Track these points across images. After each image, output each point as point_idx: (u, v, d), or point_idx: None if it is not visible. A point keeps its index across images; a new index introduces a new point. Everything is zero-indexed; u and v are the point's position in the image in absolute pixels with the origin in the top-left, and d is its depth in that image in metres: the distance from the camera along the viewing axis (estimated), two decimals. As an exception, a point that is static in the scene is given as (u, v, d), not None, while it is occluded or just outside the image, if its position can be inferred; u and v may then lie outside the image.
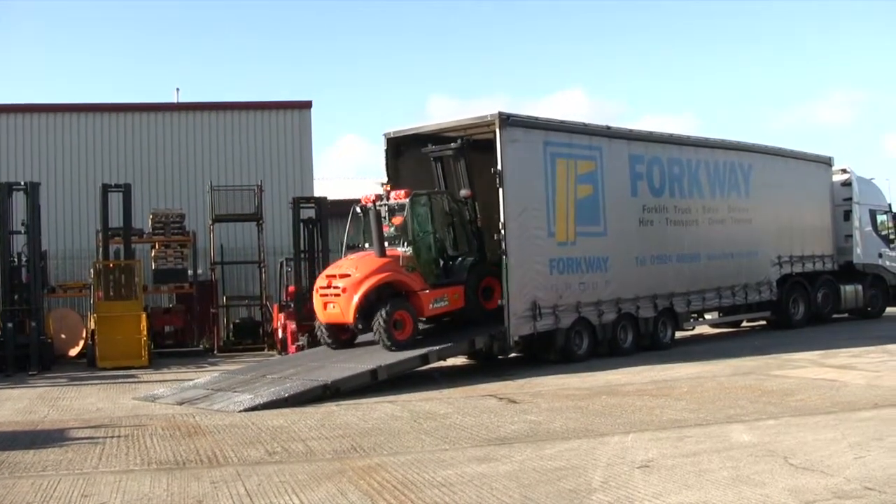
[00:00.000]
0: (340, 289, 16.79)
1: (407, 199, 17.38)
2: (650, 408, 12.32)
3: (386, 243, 17.15)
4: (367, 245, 17.79)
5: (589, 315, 18.68)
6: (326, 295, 17.14)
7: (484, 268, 17.93)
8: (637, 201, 20.30)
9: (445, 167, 19.15)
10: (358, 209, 18.09)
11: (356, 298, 16.53)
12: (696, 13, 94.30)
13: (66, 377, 19.17)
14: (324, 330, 17.67)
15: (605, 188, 19.44)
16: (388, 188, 17.86)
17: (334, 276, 17.18)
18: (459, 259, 18.07)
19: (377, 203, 17.52)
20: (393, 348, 16.38)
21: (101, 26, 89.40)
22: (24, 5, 78.98)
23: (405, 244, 17.43)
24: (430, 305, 17.30)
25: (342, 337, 17.71)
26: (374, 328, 16.49)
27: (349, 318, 16.73)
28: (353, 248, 18.28)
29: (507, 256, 17.17)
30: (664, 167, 21.04)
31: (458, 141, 18.39)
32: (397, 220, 17.64)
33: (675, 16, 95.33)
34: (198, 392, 15.20)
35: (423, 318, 17.55)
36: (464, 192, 18.35)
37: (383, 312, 16.36)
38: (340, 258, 18.44)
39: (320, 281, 17.70)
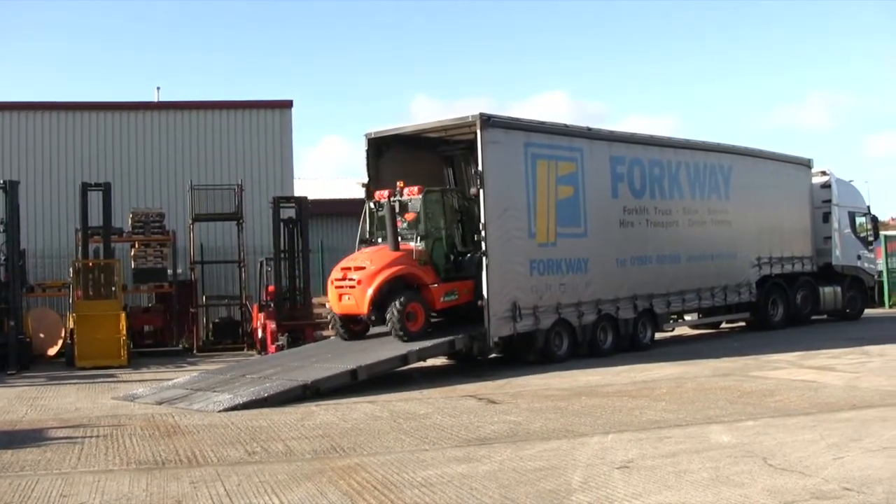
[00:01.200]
0: (355, 281, 17.14)
1: (420, 196, 17.69)
2: (630, 408, 12.35)
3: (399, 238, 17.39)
4: (378, 240, 18.14)
5: (569, 316, 18.72)
6: (341, 287, 17.45)
7: None
8: (618, 202, 20.36)
9: (455, 166, 19.32)
10: (372, 205, 18.45)
11: (371, 290, 16.86)
12: (679, 16, 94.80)
13: (45, 376, 19.02)
14: (338, 321, 17.96)
15: (586, 189, 19.49)
16: (402, 184, 18.03)
17: (349, 269, 17.50)
18: (468, 255, 18.27)
19: (391, 198, 17.72)
20: (406, 339, 16.68)
21: (81, 24, 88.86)
22: (1, 4, 78.27)
23: (418, 239, 17.68)
24: (442, 299, 17.61)
25: (355, 328, 18.06)
26: (388, 320, 16.78)
27: (363, 309, 17.05)
28: (365, 242, 18.59)
29: (488, 257, 17.24)
30: (645, 168, 21.11)
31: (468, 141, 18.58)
32: (410, 215, 17.91)
33: (657, 18, 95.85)
34: (177, 392, 15.14)
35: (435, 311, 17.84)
36: (473, 191, 18.45)
37: (397, 304, 16.67)
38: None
39: (335, 273, 17.97)
